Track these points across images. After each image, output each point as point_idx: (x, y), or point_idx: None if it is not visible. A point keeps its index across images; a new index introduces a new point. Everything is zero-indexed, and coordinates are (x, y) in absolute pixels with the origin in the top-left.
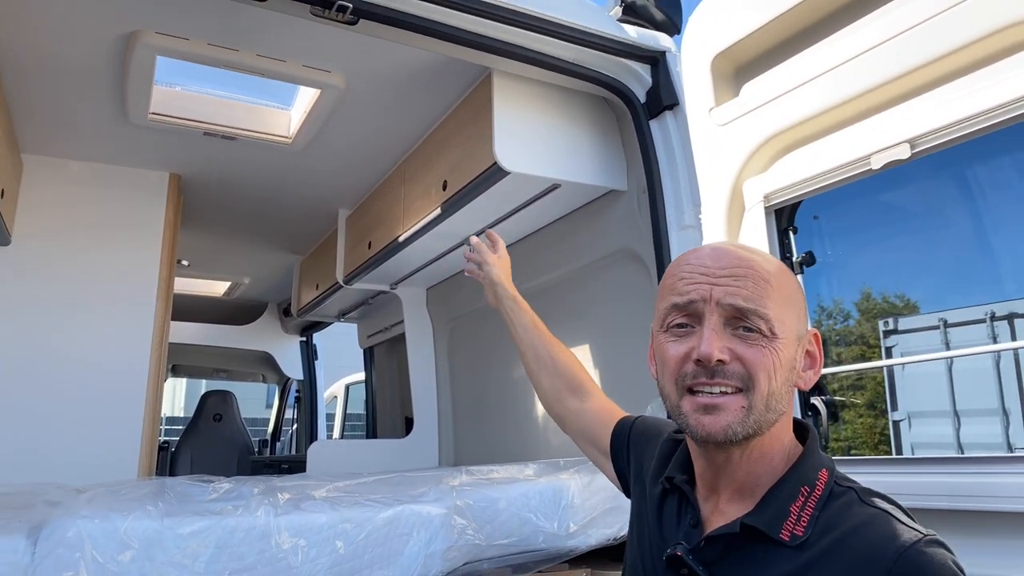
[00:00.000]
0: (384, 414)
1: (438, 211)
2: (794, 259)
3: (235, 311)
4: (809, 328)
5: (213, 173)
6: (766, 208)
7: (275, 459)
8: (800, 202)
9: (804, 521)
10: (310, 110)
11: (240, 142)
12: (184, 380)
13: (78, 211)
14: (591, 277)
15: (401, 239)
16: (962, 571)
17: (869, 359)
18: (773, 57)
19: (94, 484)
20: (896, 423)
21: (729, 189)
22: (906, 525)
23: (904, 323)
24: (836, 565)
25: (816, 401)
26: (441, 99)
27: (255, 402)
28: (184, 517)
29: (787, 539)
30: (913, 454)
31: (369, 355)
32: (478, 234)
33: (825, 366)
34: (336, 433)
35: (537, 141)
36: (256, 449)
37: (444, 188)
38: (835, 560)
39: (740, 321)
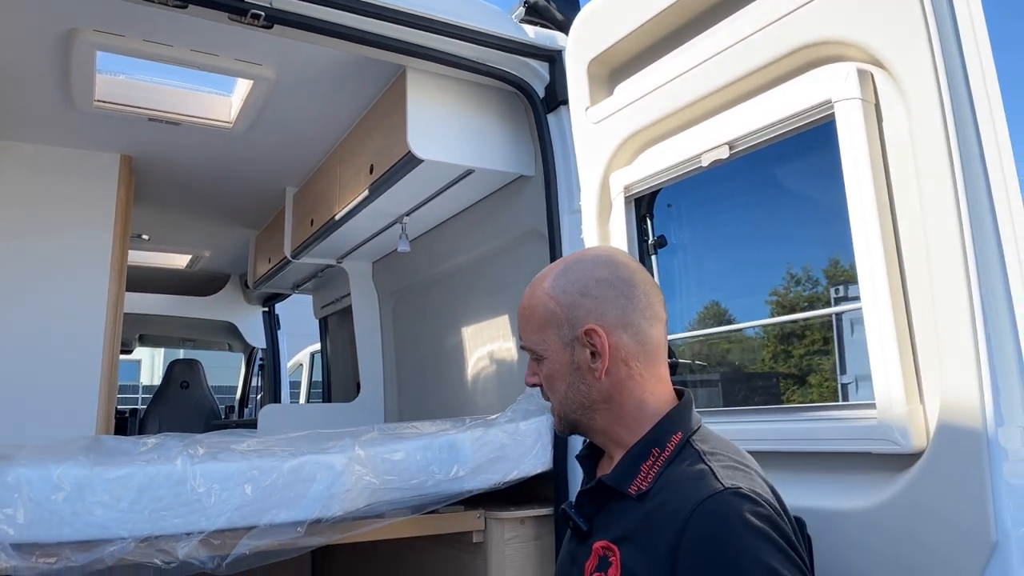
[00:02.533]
0: (338, 380)
1: (366, 192)
2: (649, 242)
3: (198, 283)
4: (583, 327)
5: (162, 155)
6: (626, 198)
7: (231, 422)
8: (657, 192)
9: (650, 478)
10: (246, 98)
11: (184, 127)
12: (162, 351)
13: (31, 192)
14: (505, 256)
15: (337, 217)
16: (760, 518)
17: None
18: (638, 62)
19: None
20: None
21: (600, 180)
22: (716, 480)
23: (853, 290)
24: (661, 516)
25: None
26: (366, 90)
27: (231, 371)
28: (110, 466)
29: (634, 493)
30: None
31: (324, 325)
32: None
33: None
34: (302, 399)
35: (449, 131)
36: (224, 415)
37: (371, 172)
38: (662, 512)
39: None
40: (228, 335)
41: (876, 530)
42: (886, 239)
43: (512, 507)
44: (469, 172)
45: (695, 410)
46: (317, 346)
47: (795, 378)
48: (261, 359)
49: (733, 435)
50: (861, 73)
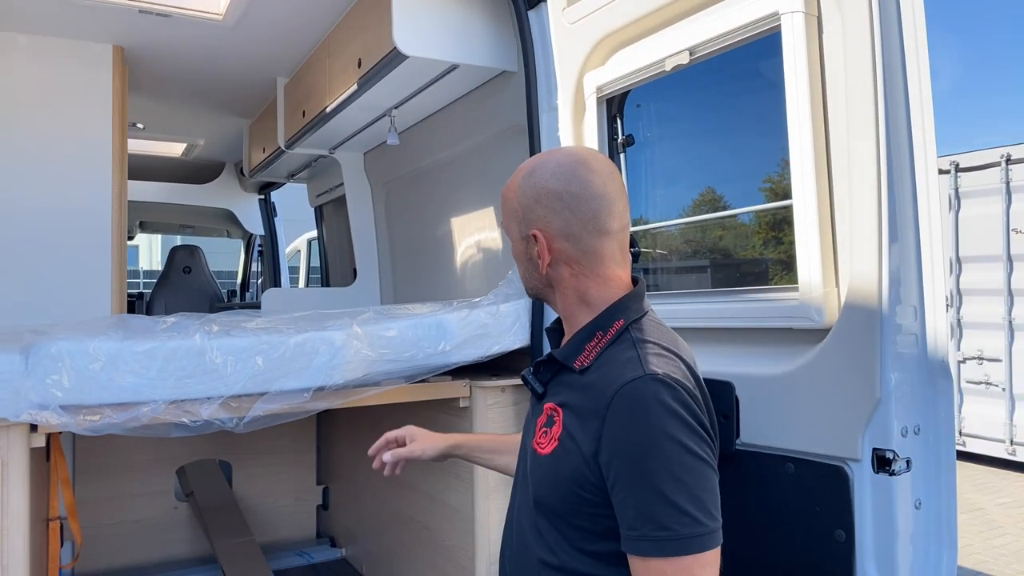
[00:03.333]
0: (335, 265)
1: (355, 87)
2: (619, 140)
3: (195, 170)
4: (531, 229)
5: (154, 46)
6: (598, 98)
7: (234, 305)
8: (627, 93)
9: (591, 356)
10: None
11: (175, 18)
12: (159, 237)
13: (28, 81)
14: (488, 151)
15: (328, 110)
16: (677, 401)
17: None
18: None
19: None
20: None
21: (574, 80)
22: (640, 366)
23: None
24: (593, 392)
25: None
26: None
27: (229, 256)
28: (138, 340)
29: (577, 368)
30: None
31: (319, 212)
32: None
33: None
34: (301, 283)
35: (433, 27)
36: (225, 298)
37: (359, 66)
38: (595, 388)
39: None
40: (227, 222)
41: (793, 390)
42: (817, 144)
43: (494, 377)
44: (454, 67)
45: (645, 300)
46: (314, 232)
47: (753, 263)
48: (260, 245)
49: (679, 314)
50: None
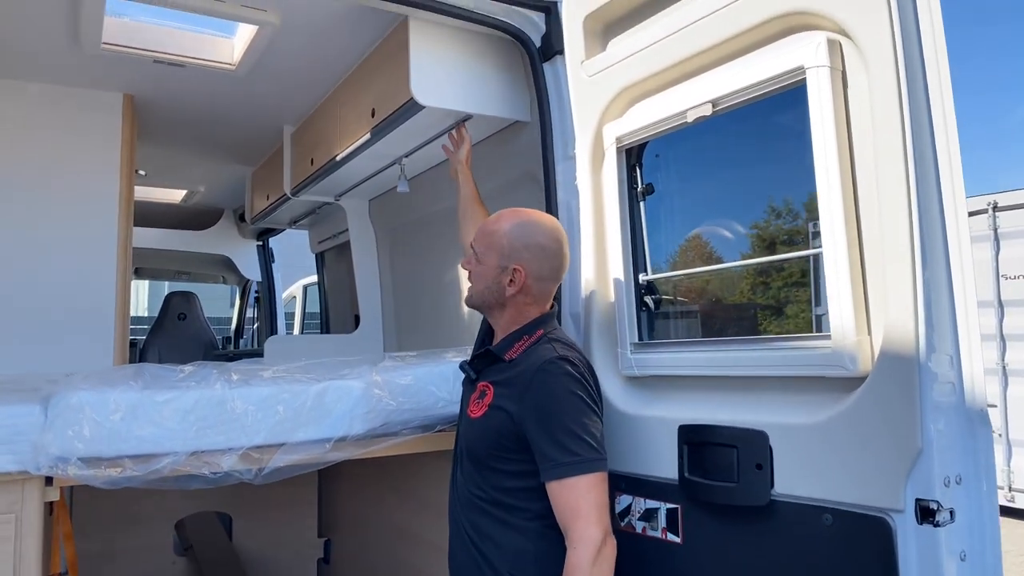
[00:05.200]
0: (336, 312)
1: (368, 135)
2: (638, 189)
3: (193, 216)
4: (514, 265)
5: (165, 94)
6: (617, 149)
7: (235, 353)
8: (646, 143)
9: (519, 351)
10: (251, 42)
11: (188, 68)
12: (146, 282)
13: (38, 129)
14: (501, 197)
15: (338, 158)
16: (577, 373)
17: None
18: (631, 18)
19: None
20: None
21: (593, 131)
22: (555, 352)
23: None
24: (519, 371)
25: (648, 300)
26: (367, 34)
27: (222, 302)
28: (158, 390)
29: (508, 359)
30: None
31: (320, 259)
32: (453, 128)
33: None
34: (296, 330)
35: (449, 78)
36: (220, 345)
37: (373, 115)
38: (520, 369)
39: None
40: (223, 268)
41: (829, 439)
42: (845, 193)
43: None
44: (467, 117)
45: (554, 320)
46: (311, 279)
47: (772, 309)
48: (256, 291)
49: (710, 363)
50: (831, 43)
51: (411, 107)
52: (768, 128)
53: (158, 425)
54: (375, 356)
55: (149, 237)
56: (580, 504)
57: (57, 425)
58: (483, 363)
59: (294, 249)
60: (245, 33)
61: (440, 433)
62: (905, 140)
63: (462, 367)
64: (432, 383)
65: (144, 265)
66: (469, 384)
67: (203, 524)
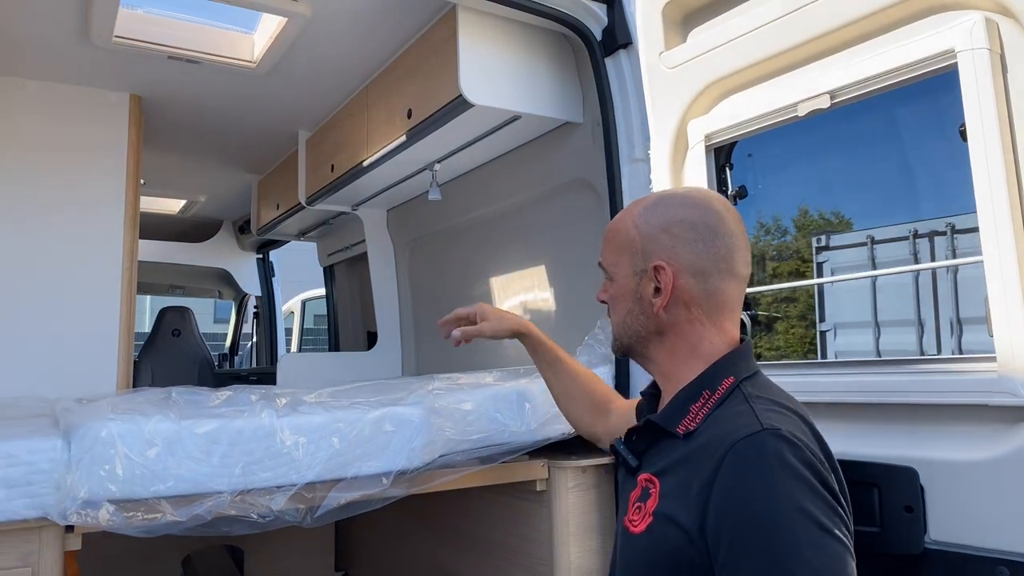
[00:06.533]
0: (346, 328)
1: (403, 138)
2: (729, 192)
3: (190, 228)
4: (654, 262)
5: (174, 94)
6: (706, 147)
7: (242, 372)
8: (736, 142)
9: (699, 418)
10: (275, 36)
11: (204, 65)
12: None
13: (40, 131)
14: (546, 205)
15: (365, 164)
16: (802, 463)
17: (804, 273)
18: (717, 7)
19: (96, 395)
20: (823, 333)
21: (675, 128)
22: (756, 420)
23: (835, 240)
24: (703, 453)
25: (743, 316)
26: (405, 29)
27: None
28: (198, 419)
29: (682, 433)
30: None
31: (329, 272)
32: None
33: (759, 283)
34: (294, 347)
35: (499, 75)
36: (217, 363)
37: (409, 116)
38: (704, 449)
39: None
40: (220, 282)
41: (999, 478)
42: (1011, 194)
43: (573, 456)
44: (516, 118)
45: (752, 359)
46: (309, 293)
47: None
48: (255, 307)
49: (838, 387)
50: (988, 22)
51: (456, 106)
52: (887, 122)
53: (199, 461)
54: (417, 378)
55: (145, 249)
56: None
57: (85, 463)
58: (644, 441)
59: (292, 263)
60: (268, 28)
61: (504, 465)
62: None
63: (614, 448)
64: (496, 409)
65: (140, 279)
66: (627, 476)
67: (212, 559)
